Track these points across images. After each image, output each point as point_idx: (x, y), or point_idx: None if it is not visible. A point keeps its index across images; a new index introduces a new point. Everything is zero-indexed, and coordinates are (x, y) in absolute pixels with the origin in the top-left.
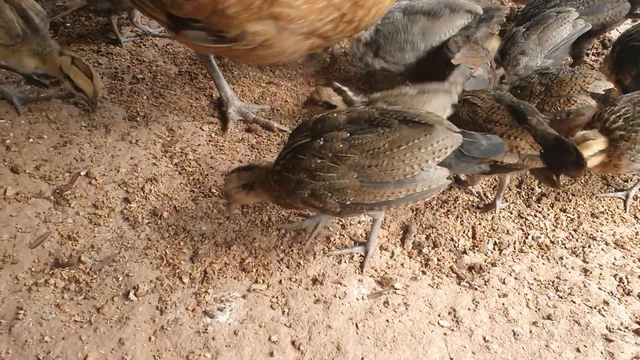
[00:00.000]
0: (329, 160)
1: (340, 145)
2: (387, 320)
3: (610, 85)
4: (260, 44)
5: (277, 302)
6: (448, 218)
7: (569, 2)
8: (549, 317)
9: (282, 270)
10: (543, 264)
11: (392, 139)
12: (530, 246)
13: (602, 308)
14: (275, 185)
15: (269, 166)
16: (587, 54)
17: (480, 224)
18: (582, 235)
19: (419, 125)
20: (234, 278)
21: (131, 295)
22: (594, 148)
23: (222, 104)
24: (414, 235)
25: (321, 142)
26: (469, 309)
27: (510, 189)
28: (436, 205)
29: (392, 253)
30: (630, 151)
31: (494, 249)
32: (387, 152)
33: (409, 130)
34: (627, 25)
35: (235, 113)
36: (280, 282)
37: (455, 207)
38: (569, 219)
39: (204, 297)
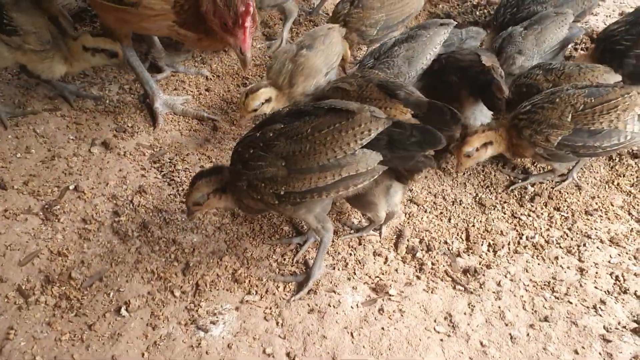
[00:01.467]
0: (259, 150)
1: (270, 134)
2: (383, 328)
3: (619, 78)
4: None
5: (270, 313)
6: (441, 221)
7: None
8: (545, 319)
9: (275, 280)
10: (538, 264)
11: (315, 124)
12: (524, 246)
13: (599, 308)
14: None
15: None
16: (576, 49)
17: (473, 225)
18: (577, 233)
19: (341, 111)
20: (227, 290)
21: (123, 311)
22: (481, 139)
23: (147, 98)
24: (407, 240)
25: (258, 134)
26: (465, 314)
27: (502, 190)
28: (429, 208)
29: (386, 258)
30: (528, 130)
31: (488, 250)
32: (309, 137)
33: (331, 116)
34: (613, 17)
35: (163, 107)
36: (273, 292)
37: (448, 209)
38: (562, 217)
39: (197, 311)
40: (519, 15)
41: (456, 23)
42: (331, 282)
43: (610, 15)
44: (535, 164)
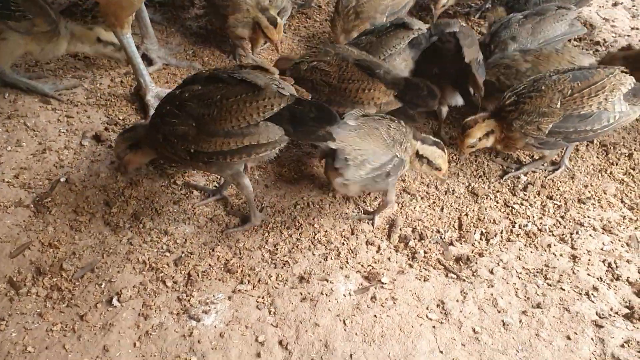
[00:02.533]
0: (174, 107)
1: (187, 95)
2: (375, 316)
3: (593, 60)
4: None
5: (263, 302)
6: (434, 210)
7: None
8: (538, 306)
9: (267, 270)
10: (531, 252)
11: (225, 92)
12: (517, 235)
13: (592, 294)
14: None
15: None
16: (569, 40)
17: (466, 214)
18: (570, 221)
19: (250, 84)
20: (219, 280)
21: (114, 302)
22: (483, 129)
23: (140, 90)
24: (400, 229)
25: (177, 92)
26: (457, 301)
27: (494, 179)
28: (421, 197)
29: (379, 247)
30: (518, 121)
31: (480, 239)
32: (218, 103)
33: (241, 86)
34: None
35: (154, 99)
36: (266, 282)
37: (440, 199)
38: (555, 205)
39: (189, 300)
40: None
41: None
42: (324, 271)
43: (603, 6)
44: (527, 154)
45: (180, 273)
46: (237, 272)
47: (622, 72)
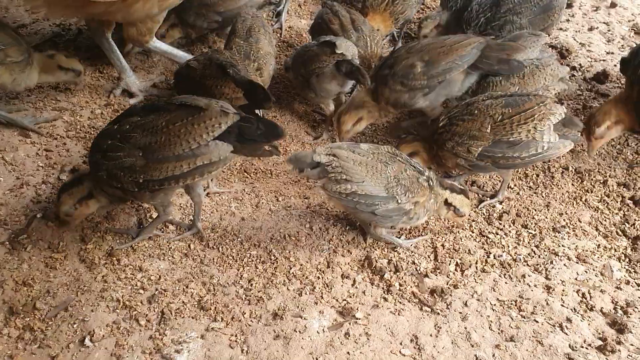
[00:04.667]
0: (116, 141)
1: (127, 127)
2: (348, 353)
3: (567, 69)
4: None
5: (236, 341)
6: (408, 240)
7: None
8: (511, 339)
9: (241, 306)
10: (505, 283)
11: (169, 118)
12: (492, 265)
13: (565, 326)
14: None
15: None
16: None
17: (442, 245)
18: (544, 251)
19: (191, 107)
20: (192, 317)
21: (87, 341)
22: (407, 150)
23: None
24: (376, 260)
25: (115, 127)
26: (431, 335)
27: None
28: (396, 229)
29: (354, 281)
30: (450, 142)
31: (455, 270)
32: (165, 129)
33: (184, 110)
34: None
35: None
36: (239, 319)
37: (416, 228)
38: (530, 234)
39: (162, 339)
40: (495, 24)
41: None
42: (298, 307)
43: (579, 31)
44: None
45: (154, 311)
46: (210, 309)
47: (554, 101)
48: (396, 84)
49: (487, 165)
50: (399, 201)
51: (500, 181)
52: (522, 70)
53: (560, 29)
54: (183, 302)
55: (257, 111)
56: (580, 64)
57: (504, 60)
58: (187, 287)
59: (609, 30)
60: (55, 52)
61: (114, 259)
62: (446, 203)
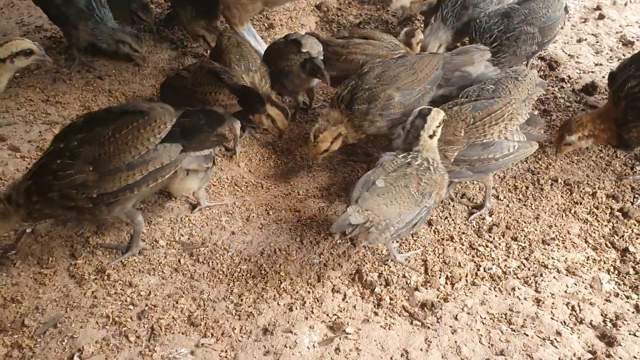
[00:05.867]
0: (66, 159)
1: (74, 143)
2: None
3: (542, 82)
4: None
5: (226, 357)
6: (400, 253)
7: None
8: (501, 353)
9: (231, 322)
10: (495, 296)
11: (115, 127)
12: (482, 278)
13: (555, 339)
14: (32, 197)
15: (15, 185)
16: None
17: (432, 258)
18: (534, 263)
19: (134, 112)
20: (182, 333)
21: (76, 358)
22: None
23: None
24: (366, 274)
25: (61, 145)
26: (421, 349)
27: (461, 221)
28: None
29: (345, 295)
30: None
31: (446, 283)
32: (112, 139)
33: (127, 117)
34: (571, 44)
35: None
36: (229, 334)
37: (407, 240)
38: (520, 247)
39: (151, 356)
40: (510, 34)
41: None
42: (288, 322)
43: (568, 42)
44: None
45: (144, 327)
46: (200, 324)
47: (520, 102)
48: (376, 117)
49: (462, 169)
50: (428, 205)
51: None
52: (470, 80)
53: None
54: (173, 317)
55: None
56: (569, 76)
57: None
58: (177, 302)
59: (597, 42)
60: None
61: (104, 274)
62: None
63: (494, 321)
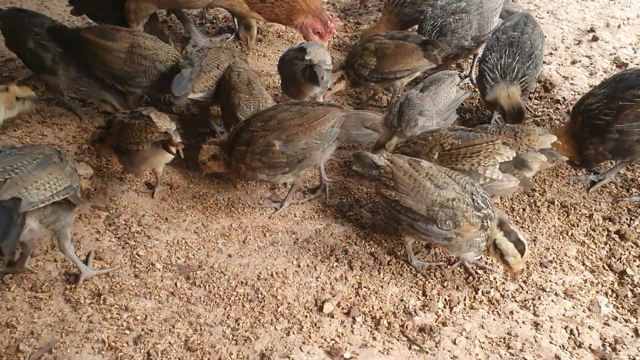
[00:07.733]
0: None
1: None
2: None
3: (554, 138)
4: None
5: None
6: (399, 276)
7: None
8: None
9: (228, 347)
10: (494, 319)
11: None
12: (480, 302)
13: None
14: None
15: None
16: (530, 98)
17: (430, 282)
18: (532, 286)
19: None
20: (179, 359)
21: None
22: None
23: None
24: (364, 298)
25: None
26: None
27: None
28: (387, 262)
29: (342, 319)
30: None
31: (444, 307)
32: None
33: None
34: (566, 66)
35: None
36: None
37: (404, 266)
38: None
39: None
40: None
41: None
42: (285, 347)
43: (562, 64)
44: None
45: (140, 352)
46: (197, 349)
47: (503, 143)
48: (254, 161)
49: None
50: (439, 226)
51: None
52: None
53: (544, 62)
54: (169, 342)
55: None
56: (563, 97)
57: (361, 130)
58: (173, 327)
59: (591, 64)
60: (5, 85)
61: (100, 298)
62: (494, 244)
63: (492, 345)
